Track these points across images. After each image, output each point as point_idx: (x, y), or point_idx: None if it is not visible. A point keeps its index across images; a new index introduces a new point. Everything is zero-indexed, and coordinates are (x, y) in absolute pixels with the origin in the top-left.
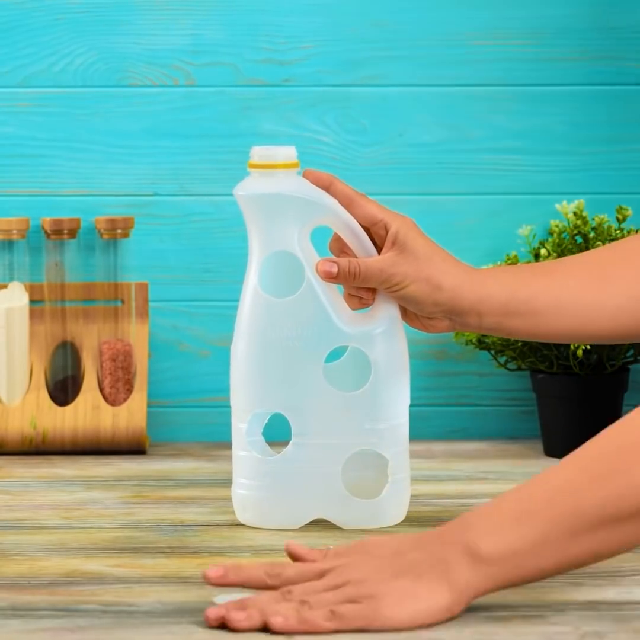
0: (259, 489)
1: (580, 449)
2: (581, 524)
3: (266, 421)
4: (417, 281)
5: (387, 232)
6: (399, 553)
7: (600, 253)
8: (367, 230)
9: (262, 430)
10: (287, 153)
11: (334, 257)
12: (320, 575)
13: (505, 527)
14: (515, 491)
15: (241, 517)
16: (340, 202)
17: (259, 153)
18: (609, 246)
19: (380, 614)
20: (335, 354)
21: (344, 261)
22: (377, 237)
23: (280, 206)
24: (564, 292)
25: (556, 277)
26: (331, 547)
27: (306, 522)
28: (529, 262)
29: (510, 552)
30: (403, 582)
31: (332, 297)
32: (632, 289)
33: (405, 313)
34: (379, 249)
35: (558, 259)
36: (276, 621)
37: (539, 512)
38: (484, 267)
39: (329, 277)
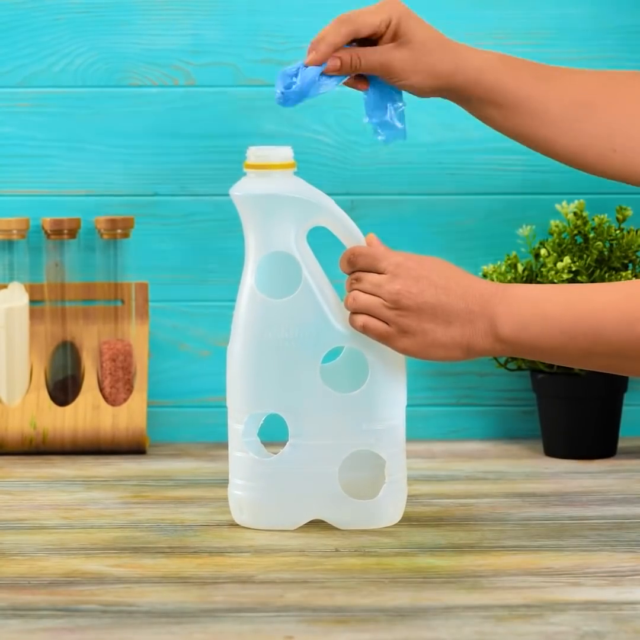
0: (255, 490)
1: (622, 286)
2: (599, 349)
3: (262, 422)
4: (416, 73)
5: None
6: (447, 291)
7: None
8: (377, 41)
9: (258, 431)
10: (283, 153)
11: (336, 53)
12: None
13: (532, 325)
14: (559, 294)
15: (238, 518)
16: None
17: (255, 153)
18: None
19: (403, 347)
20: (332, 355)
21: (345, 55)
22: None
23: (276, 206)
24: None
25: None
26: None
27: (303, 523)
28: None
29: (528, 345)
30: (435, 327)
31: (329, 298)
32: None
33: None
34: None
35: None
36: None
37: (566, 327)
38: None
39: (335, 70)
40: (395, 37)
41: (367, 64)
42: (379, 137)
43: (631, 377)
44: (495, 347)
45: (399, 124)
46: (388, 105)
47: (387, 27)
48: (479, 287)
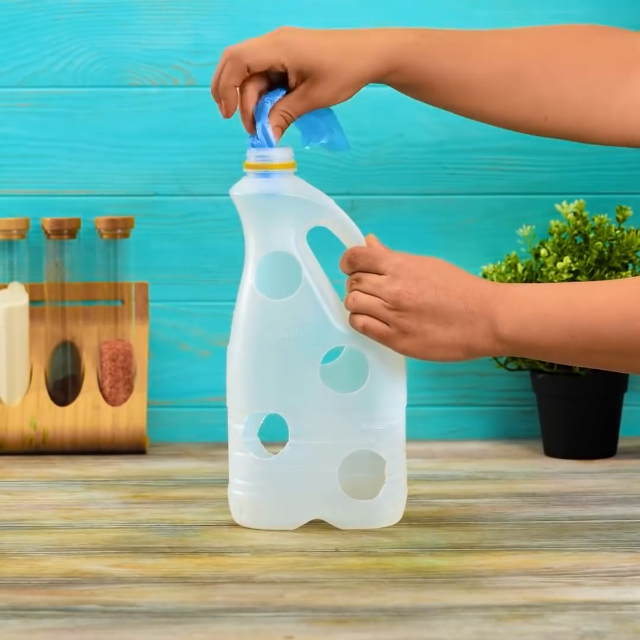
0: (255, 490)
1: (620, 284)
2: (598, 347)
3: (262, 422)
4: (342, 91)
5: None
6: (447, 291)
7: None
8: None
9: (258, 431)
10: (283, 154)
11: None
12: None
13: (532, 325)
14: (558, 293)
15: (238, 518)
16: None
17: (255, 153)
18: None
19: (403, 348)
20: (332, 355)
21: (280, 119)
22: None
23: (276, 207)
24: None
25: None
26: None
27: (303, 523)
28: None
29: (529, 344)
30: (435, 327)
31: (329, 298)
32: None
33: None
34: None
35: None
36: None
37: (566, 326)
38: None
39: (280, 132)
40: (304, 77)
41: (297, 114)
42: (323, 144)
43: (631, 376)
44: (496, 347)
45: (340, 137)
46: (319, 122)
47: (282, 66)
48: (479, 288)
